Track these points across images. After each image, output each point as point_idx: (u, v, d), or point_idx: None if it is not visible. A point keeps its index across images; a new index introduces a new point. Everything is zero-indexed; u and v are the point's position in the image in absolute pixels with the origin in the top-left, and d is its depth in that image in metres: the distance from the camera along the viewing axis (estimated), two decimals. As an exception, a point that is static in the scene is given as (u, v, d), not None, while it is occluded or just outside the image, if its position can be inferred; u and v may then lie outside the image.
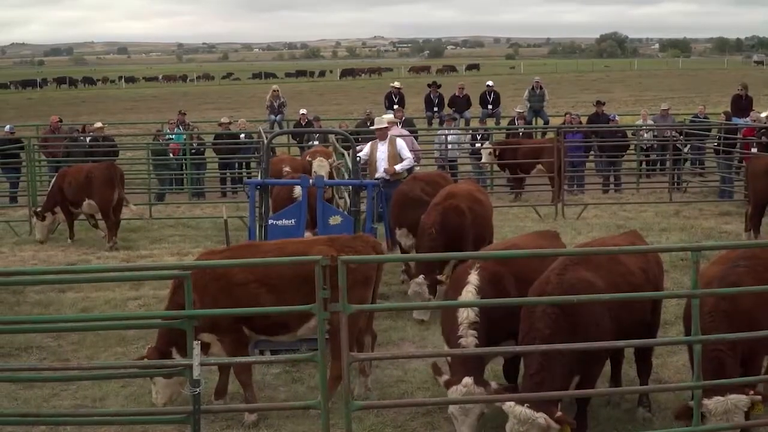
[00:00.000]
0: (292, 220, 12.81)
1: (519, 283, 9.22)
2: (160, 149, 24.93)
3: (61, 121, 28.38)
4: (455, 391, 8.51)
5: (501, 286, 9.26)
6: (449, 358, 9.05)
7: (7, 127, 26.03)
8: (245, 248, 10.57)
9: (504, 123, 30.01)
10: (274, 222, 12.85)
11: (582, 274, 8.71)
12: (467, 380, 8.49)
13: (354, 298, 9.46)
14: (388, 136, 17.13)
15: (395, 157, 16.86)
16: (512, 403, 7.98)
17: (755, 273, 8.74)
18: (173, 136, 26.08)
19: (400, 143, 17.15)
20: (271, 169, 17.46)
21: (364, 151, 17.21)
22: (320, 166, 17.01)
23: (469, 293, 9.02)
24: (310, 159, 17.72)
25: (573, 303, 8.22)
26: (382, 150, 16.97)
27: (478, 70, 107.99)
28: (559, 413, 8.00)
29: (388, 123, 20.58)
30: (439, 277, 12.94)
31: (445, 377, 8.68)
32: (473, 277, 9.16)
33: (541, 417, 7.85)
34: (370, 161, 17.18)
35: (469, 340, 8.78)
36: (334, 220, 12.82)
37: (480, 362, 8.90)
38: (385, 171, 16.67)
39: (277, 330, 10.00)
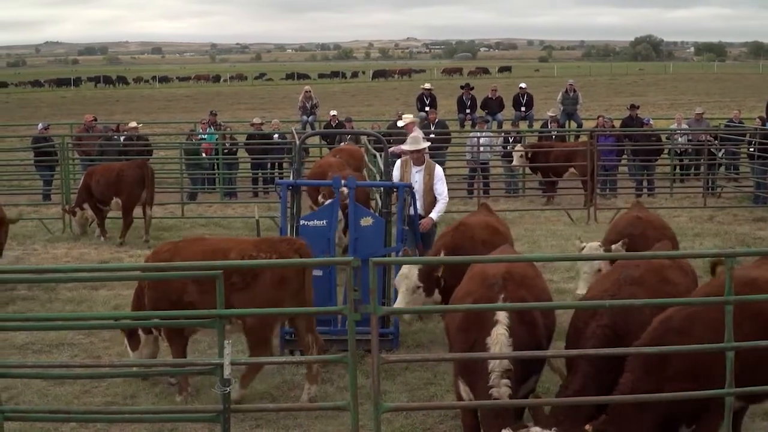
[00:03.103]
0: (324, 221, 12.78)
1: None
2: (192, 149, 25.03)
3: (95, 119, 28.55)
4: None
5: (530, 316, 8.45)
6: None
7: (40, 125, 26.21)
8: (191, 242, 11.18)
9: (537, 126, 29.89)
10: (306, 223, 12.84)
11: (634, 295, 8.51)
12: None
13: (265, 299, 9.70)
14: (426, 160, 14.27)
15: (431, 191, 14.03)
16: None
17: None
18: (205, 135, 26.17)
19: (439, 173, 14.17)
20: (317, 172, 17.57)
21: (395, 173, 14.08)
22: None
23: (501, 336, 7.98)
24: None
25: (605, 308, 8.12)
26: (417, 179, 14.05)
27: (510, 72, 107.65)
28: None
29: (410, 123, 20.48)
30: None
31: None
32: (502, 314, 8.09)
33: None
34: None
35: (502, 391, 7.82)
36: (366, 221, 12.77)
37: (513, 411, 8.02)
38: (422, 225, 13.72)
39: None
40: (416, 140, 14.29)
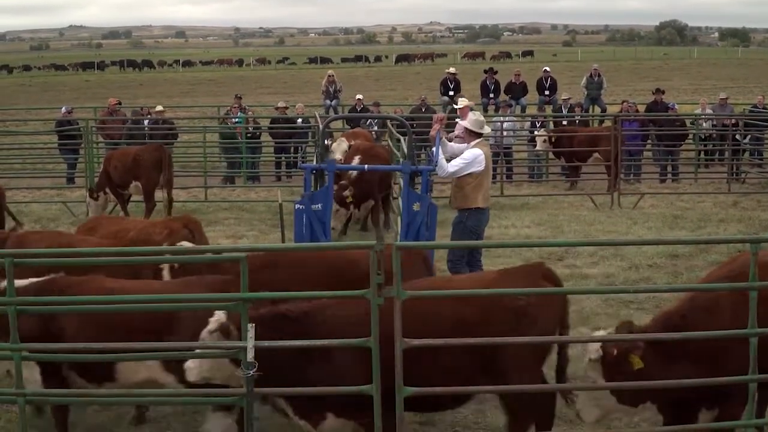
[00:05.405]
0: (319, 205, 13.11)
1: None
2: (229, 133, 25.11)
3: (119, 103, 28.58)
4: None
5: None
6: None
7: (63, 108, 26.26)
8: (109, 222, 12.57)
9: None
10: (300, 207, 13.18)
11: None
12: None
13: None
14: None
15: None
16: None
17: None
18: (237, 119, 26.12)
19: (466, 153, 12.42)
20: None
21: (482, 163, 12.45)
22: (338, 147, 17.05)
23: None
24: (329, 142, 17.78)
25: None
26: None
27: (533, 56, 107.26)
28: None
29: (465, 107, 20.46)
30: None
31: None
32: None
33: None
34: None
35: None
36: (416, 206, 13.06)
37: None
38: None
39: None
40: (480, 123, 12.56)
